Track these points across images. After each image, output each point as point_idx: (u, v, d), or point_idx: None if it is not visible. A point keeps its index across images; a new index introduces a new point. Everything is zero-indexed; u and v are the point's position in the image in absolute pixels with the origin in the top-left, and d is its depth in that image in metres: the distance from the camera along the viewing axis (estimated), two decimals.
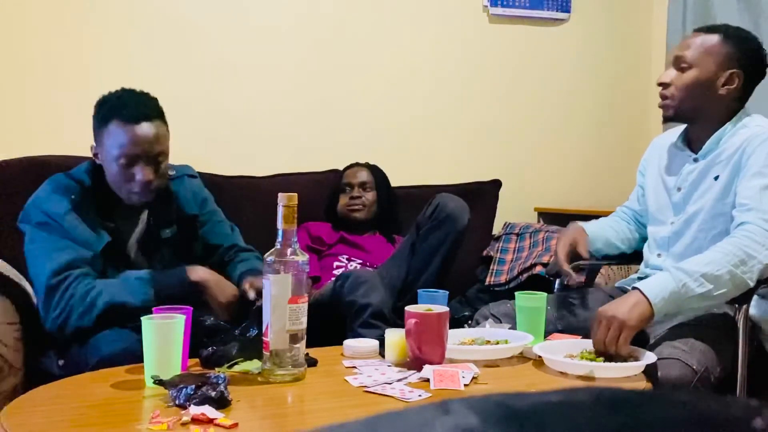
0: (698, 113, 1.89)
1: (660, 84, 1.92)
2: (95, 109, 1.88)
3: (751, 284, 1.69)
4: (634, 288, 1.68)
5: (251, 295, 1.79)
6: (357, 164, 2.84)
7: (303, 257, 1.49)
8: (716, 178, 1.86)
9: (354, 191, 2.75)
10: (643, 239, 2.14)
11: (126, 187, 1.85)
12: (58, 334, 1.78)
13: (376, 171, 2.82)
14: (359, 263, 2.61)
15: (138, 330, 1.50)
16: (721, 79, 1.85)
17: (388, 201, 2.80)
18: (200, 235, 2.05)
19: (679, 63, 1.89)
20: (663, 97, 1.91)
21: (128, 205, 1.90)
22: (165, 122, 1.89)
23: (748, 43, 1.88)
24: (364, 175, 2.78)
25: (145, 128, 1.82)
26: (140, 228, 1.96)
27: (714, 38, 1.86)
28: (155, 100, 1.89)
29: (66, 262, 1.77)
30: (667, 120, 1.95)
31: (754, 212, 1.73)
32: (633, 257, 2.22)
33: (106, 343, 1.65)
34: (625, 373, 1.54)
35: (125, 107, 1.82)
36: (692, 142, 1.96)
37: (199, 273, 1.85)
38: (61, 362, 1.82)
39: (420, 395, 1.38)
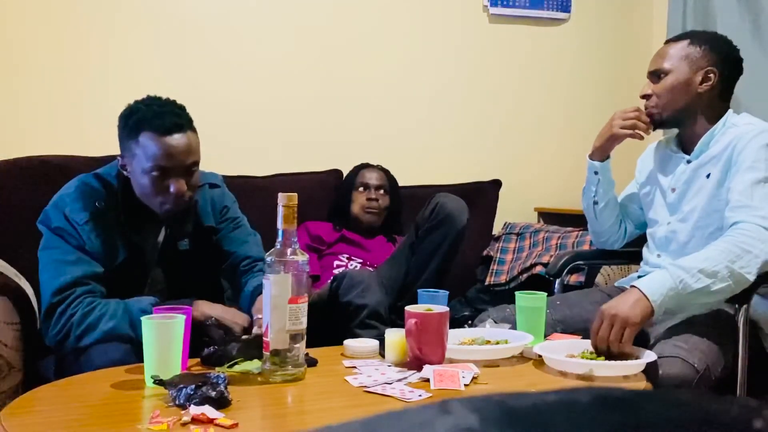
0: (684, 115, 1.96)
1: (642, 96, 2.00)
2: (122, 120, 1.78)
3: (751, 279, 1.69)
4: (632, 286, 1.68)
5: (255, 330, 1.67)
6: (370, 165, 2.83)
7: (303, 257, 1.49)
8: (708, 176, 1.90)
9: (371, 193, 2.74)
10: (629, 235, 2.22)
11: (158, 199, 1.77)
12: (56, 349, 1.77)
13: (389, 175, 2.82)
14: (359, 262, 2.61)
15: (129, 341, 1.54)
16: (697, 78, 1.93)
17: (397, 206, 2.80)
18: (215, 241, 1.98)
19: (656, 74, 1.97)
20: (647, 107, 2.00)
21: (150, 216, 1.84)
22: (195, 131, 1.81)
23: (716, 41, 1.97)
24: (381, 178, 2.78)
25: (179, 139, 1.74)
26: (160, 240, 1.90)
27: (683, 44, 1.96)
28: (184, 108, 1.81)
29: (72, 279, 1.72)
30: (657, 127, 2.03)
31: (746, 210, 1.75)
32: (633, 257, 2.24)
33: (99, 355, 1.63)
34: (625, 372, 1.54)
35: (157, 117, 1.73)
36: (685, 144, 2.02)
37: (202, 309, 1.74)
38: (55, 370, 1.80)
39: (420, 395, 1.38)
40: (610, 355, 1.61)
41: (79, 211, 1.77)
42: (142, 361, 1.43)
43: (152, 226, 1.89)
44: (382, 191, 2.76)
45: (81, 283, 1.73)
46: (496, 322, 1.86)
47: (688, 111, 1.95)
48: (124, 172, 1.81)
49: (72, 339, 1.70)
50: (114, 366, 1.56)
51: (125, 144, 1.78)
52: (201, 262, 1.95)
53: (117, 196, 1.83)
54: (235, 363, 1.48)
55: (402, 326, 1.60)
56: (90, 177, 1.85)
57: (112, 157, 1.93)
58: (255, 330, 1.64)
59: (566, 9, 3.41)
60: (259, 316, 1.64)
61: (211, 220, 1.97)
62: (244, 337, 1.60)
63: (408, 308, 1.58)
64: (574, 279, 2.52)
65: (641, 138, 2.02)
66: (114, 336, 1.67)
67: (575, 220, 2.82)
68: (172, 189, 1.75)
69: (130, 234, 1.83)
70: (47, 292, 1.74)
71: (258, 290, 1.79)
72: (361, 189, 2.75)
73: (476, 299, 2.78)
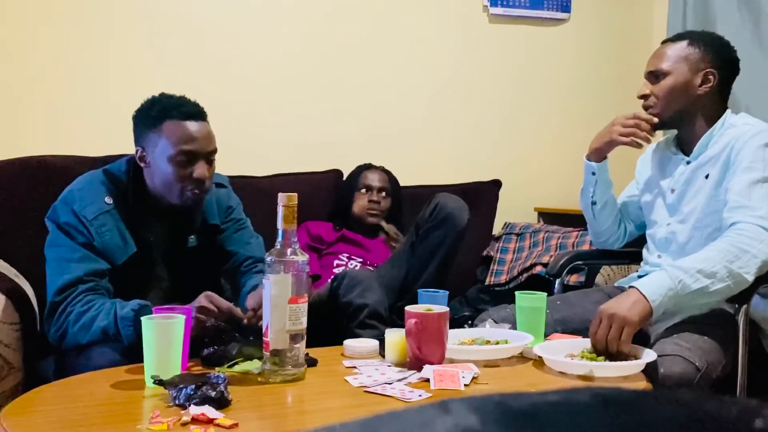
0: (682, 116, 1.95)
1: (640, 97, 1.99)
2: (143, 112, 1.83)
3: (750, 279, 1.69)
4: (631, 287, 1.69)
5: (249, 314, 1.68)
6: (373, 166, 2.83)
7: (303, 257, 1.49)
8: (707, 176, 1.90)
9: (374, 195, 2.74)
10: (629, 235, 2.21)
11: (180, 186, 1.79)
12: (57, 347, 1.77)
13: (391, 177, 2.82)
14: (359, 262, 2.62)
15: (120, 351, 1.56)
16: (696, 80, 1.92)
17: (398, 208, 2.80)
18: (219, 241, 2.00)
19: (655, 75, 1.96)
20: (646, 108, 1.98)
21: (157, 212, 1.86)
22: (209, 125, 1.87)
23: (715, 42, 1.96)
24: (383, 180, 2.78)
25: (201, 125, 1.82)
26: (165, 237, 1.91)
27: (682, 44, 1.95)
28: (198, 104, 1.87)
29: (75, 278, 1.72)
30: (656, 128, 2.01)
31: (744, 210, 1.75)
32: (633, 257, 2.24)
33: (98, 355, 1.63)
34: (625, 372, 1.54)
35: (179, 105, 1.81)
36: (684, 145, 2.02)
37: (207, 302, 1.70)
38: (55, 370, 1.80)
39: (420, 395, 1.38)
40: (608, 355, 1.61)
41: (88, 206, 1.78)
42: (134, 363, 1.43)
43: (158, 223, 1.89)
44: (384, 193, 2.76)
45: (84, 281, 1.73)
46: (496, 322, 1.86)
47: (687, 112, 1.94)
48: (142, 164, 1.83)
49: (69, 337, 1.71)
50: (113, 366, 1.56)
51: (146, 135, 1.81)
52: (205, 261, 1.96)
53: (126, 191, 1.84)
54: (235, 363, 1.48)
55: (402, 326, 1.60)
56: (99, 173, 1.87)
57: (113, 157, 1.93)
58: (249, 314, 1.65)
59: (566, 9, 3.41)
60: (252, 305, 1.66)
61: (216, 218, 1.99)
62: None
63: (408, 308, 1.58)
64: (574, 279, 2.52)
65: (639, 146, 2.00)
66: (111, 336, 1.67)
67: (575, 220, 2.82)
68: (195, 174, 1.78)
69: (139, 230, 1.84)
70: (50, 291, 1.75)
71: (254, 288, 1.80)
72: (363, 190, 2.75)
73: (476, 299, 2.78)
